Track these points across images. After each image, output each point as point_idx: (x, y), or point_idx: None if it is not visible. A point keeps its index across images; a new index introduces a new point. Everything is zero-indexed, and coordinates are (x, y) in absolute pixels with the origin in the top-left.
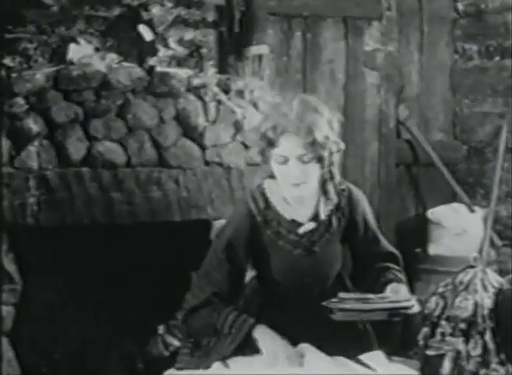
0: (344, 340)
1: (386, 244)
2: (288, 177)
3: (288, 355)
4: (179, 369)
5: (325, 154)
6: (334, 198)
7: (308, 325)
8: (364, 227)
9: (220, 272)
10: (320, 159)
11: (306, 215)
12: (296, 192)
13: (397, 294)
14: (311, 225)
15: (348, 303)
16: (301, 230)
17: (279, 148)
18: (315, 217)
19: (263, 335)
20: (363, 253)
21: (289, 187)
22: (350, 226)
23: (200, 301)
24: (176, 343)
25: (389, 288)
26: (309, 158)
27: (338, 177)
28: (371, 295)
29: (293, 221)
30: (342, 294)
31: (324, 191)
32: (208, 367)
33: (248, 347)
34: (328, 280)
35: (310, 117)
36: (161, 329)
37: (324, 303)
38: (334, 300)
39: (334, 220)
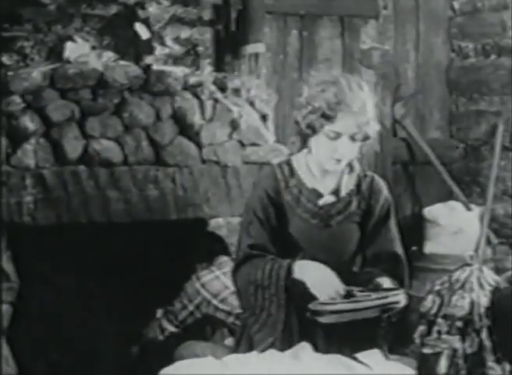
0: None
1: (394, 245)
2: (334, 153)
3: (332, 284)
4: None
5: (371, 133)
6: (357, 168)
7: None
8: (378, 219)
9: (255, 229)
10: (366, 138)
11: (328, 187)
12: (335, 167)
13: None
14: (331, 198)
15: (335, 304)
16: (321, 202)
17: (335, 124)
18: (336, 192)
19: (303, 271)
20: (367, 248)
21: (329, 162)
22: (366, 213)
23: (240, 258)
24: (172, 328)
25: (373, 283)
26: (359, 138)
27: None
28: (354, 291)
29: (314, 191)
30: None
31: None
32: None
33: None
34: (342, 261)
35: (362, 96)
36: (159, 313)
37: (310, 306)
38: (319, 302)
39: (354, 201)
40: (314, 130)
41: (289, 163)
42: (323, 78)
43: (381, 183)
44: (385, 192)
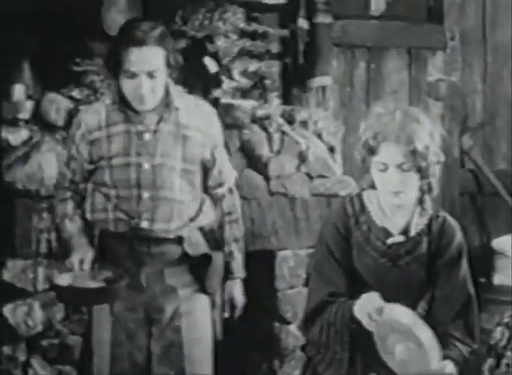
0: None
1: (466, 286)
2: (387, 185)
3: (371, 302)
4: None
5: (425, 164)
6: (429, 210)
7: None
8: (450, 261)
9: (332, 269)
10: (420, 169)
11: (397, 226)
12: (394, 201)
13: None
14: (400, 238)
15: None
16: (390, 241)
17: (379, 156)
18: (406, 231)
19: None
20: (437, 288)
21: (388, 195)
22: (436, 254)
23: (317, 302)
24: None
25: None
26: (408, 167)
27: (436, 191)
28: None
29: (384, 229)
30: None
31: (420, 201)
32: None
33: None
34: (407, 302)
35: (411, 126)
36: None
37: None
38: None
39: (424, 242)
40: (365, 166)
41: (360, 198)
42: (378, 111)
43: (453, 225)
44: (458, 235)
